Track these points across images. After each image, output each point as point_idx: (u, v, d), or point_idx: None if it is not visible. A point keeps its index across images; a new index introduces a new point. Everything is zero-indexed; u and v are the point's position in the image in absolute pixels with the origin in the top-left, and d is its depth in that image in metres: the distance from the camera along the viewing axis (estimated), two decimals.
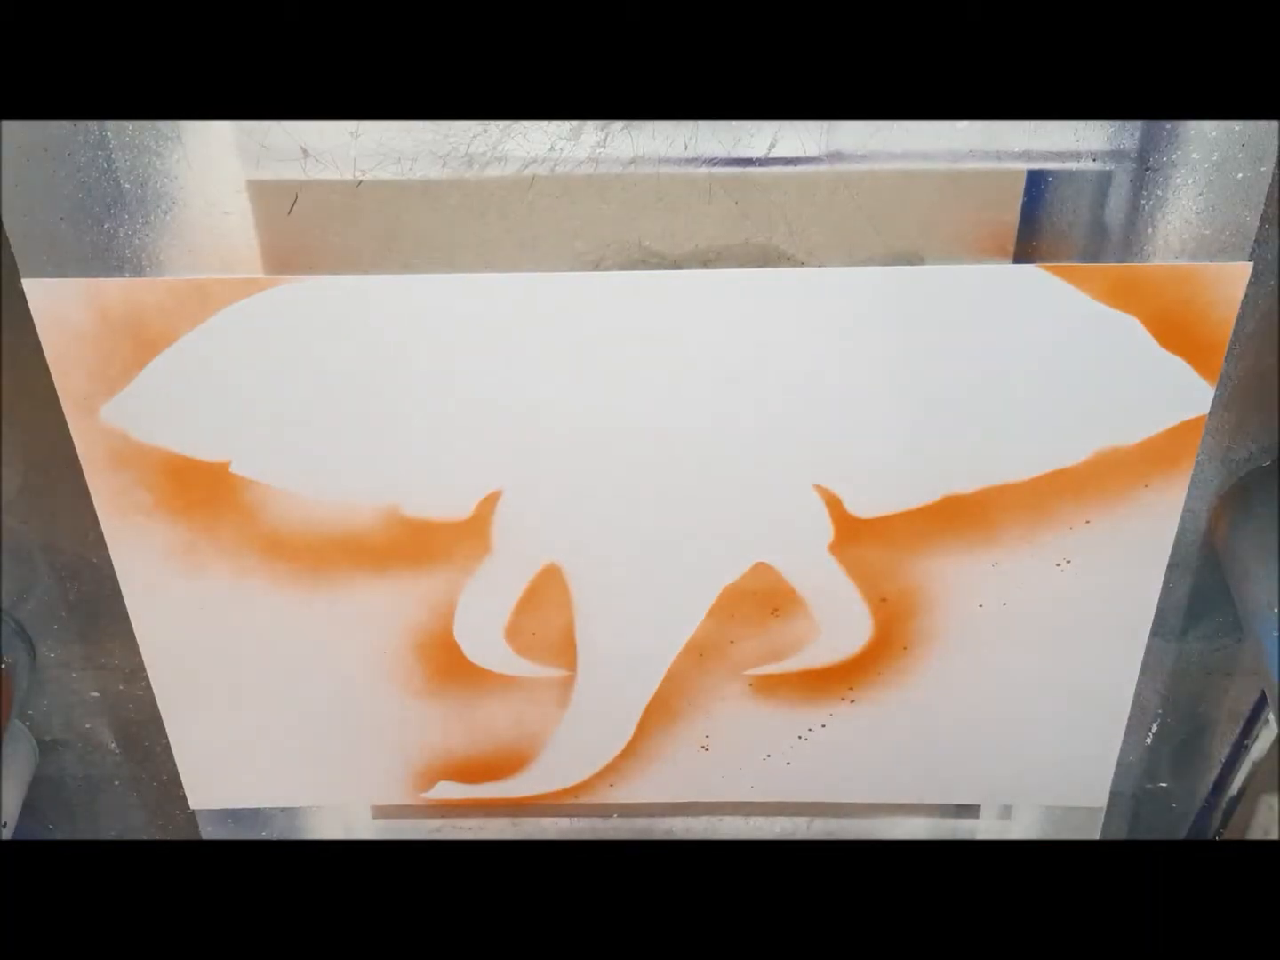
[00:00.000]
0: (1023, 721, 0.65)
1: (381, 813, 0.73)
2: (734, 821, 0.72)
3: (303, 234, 0.51)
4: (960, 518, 0.58)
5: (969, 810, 0.72)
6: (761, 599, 0.61)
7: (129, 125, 0.48)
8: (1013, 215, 0.50)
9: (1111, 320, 0.52)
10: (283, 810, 0.72)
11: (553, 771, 0.67)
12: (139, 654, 0.62)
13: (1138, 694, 0.64)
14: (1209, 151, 0.48)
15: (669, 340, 0.53)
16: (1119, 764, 0.66)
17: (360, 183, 0.49)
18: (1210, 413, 0.55)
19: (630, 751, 0.67)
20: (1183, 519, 0.58)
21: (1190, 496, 0.58)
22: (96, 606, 0.64)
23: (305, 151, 0.48)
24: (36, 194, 0.49)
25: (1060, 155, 0.49)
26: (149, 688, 0.64)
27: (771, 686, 0.64)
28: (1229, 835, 0.71)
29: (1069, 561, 0.59)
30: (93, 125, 0.48)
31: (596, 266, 0.51)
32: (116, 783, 0.72)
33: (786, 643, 0.62)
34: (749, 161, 0.49)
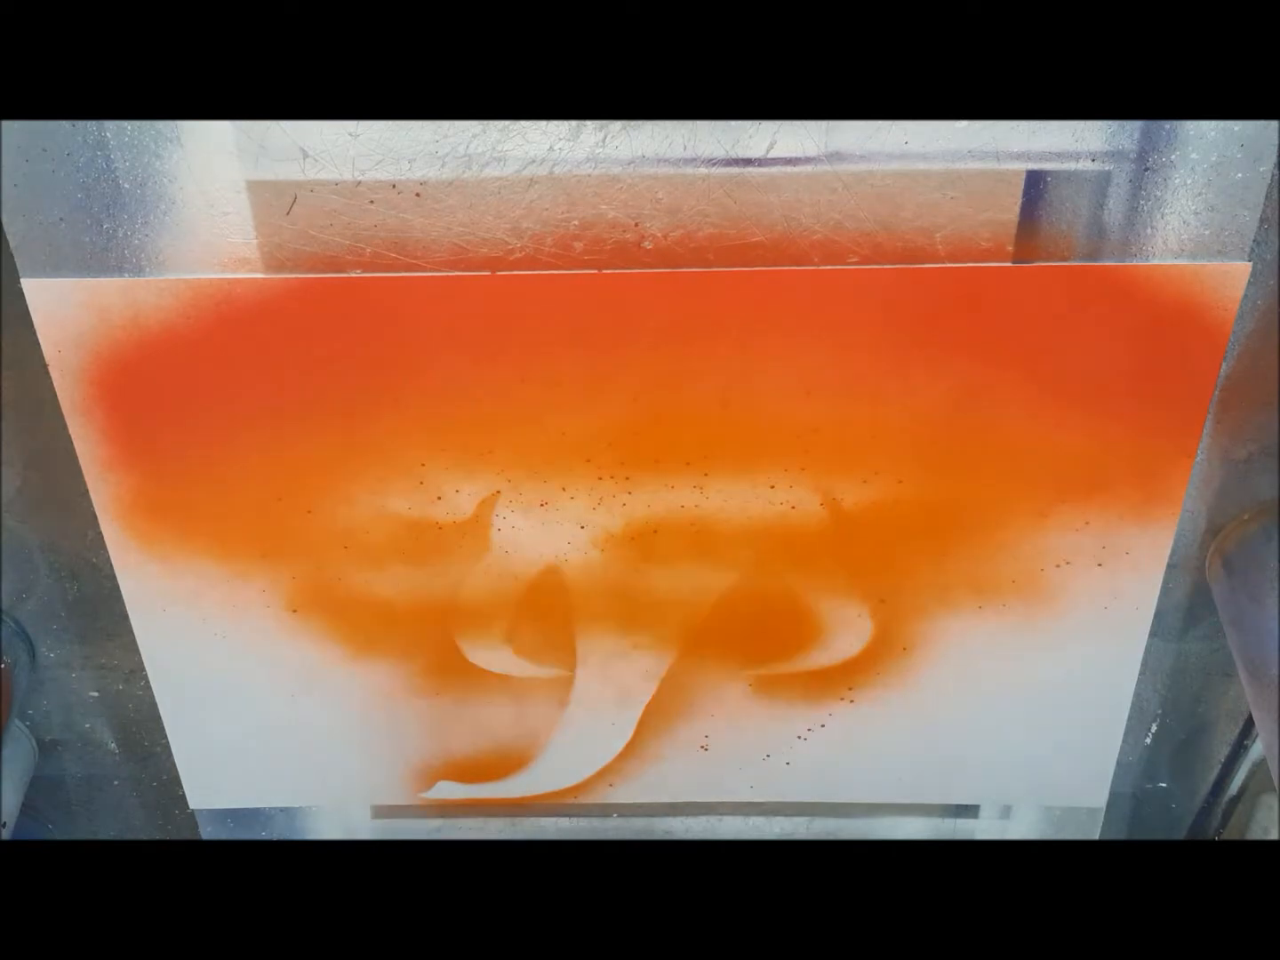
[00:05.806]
0: (1022, 721, 0.65)
1: (381, 813, 0.73)
2: (734, 821, 0.72)
3: (302, 234, 0.51)
4: (961, 518, 0.58)
5: (968, 810, 0.72)
6: (762, 599, 0.61)
7: (128, 126, 0.48)
8: (1012, 215, 0.50)
9: (1111, 320, 0.52)
10: (283, 810, 0.72)
11: (552, 772, 0.67)
12: (139, 654, 0.62)
13: (1137, 694, 0.64)
14: (1208, 152, 0.48)
15: (669, 340, 0.53)
16: (1119, 764, 0.66)
17: (360, 183, 0.49)
18: (1210, 413, 0.55)
19: (630, 752, 0.67)
20: (1182, 519, 0.58)
21: (1190, 497, 0.58)
22: (96, 606, 0.64)
23: (304, 152, 0.49)
24: (36, 194, 0.49)
25: (1059, 155, 0.49)
26: (149, 688, 0.63)
27: (771, 686, 0.64)
28: (1229, 835, 0.71)
29: (1069, 562, 0.59)
30: (92, 126, 0.48)
31: (596, 267, 0.51)
32: (116, 783, 0.72)
33: (786, 643, 0.62)
34: (748, 162, 0.49)
